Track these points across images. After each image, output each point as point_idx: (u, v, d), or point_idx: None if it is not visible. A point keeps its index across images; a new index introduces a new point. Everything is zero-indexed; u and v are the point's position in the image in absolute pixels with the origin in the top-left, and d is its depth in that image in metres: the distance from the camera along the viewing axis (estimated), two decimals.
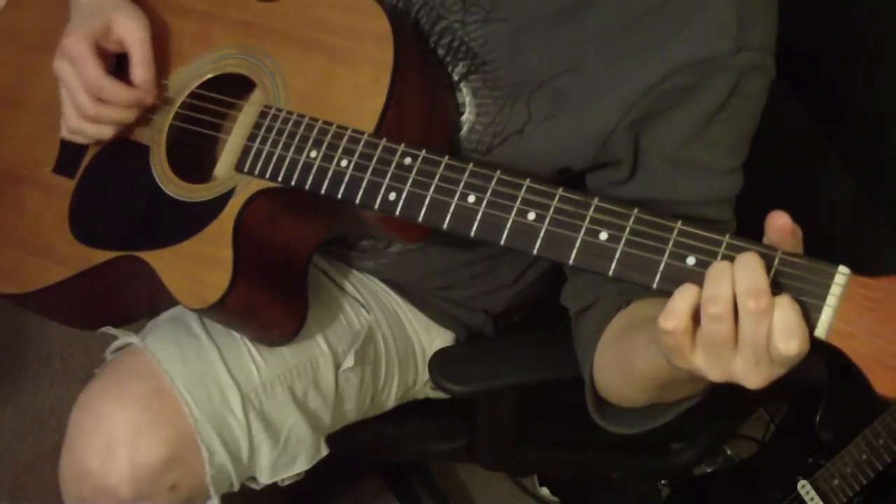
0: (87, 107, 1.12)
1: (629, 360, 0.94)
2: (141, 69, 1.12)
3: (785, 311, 0.74)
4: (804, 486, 1.62)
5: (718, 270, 0.77)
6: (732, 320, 0.76)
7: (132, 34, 1.12)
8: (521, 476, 1.93)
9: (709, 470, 1.85)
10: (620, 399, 1.02)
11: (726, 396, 1.40)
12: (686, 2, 1.01)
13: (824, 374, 1.31)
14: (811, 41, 1.36)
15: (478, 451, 1.41)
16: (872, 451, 1.55)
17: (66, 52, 1.11)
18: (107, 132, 1.14)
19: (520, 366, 1.30)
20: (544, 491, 1.94)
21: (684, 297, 0.78)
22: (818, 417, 1.61)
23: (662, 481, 1.83)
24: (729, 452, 1.93)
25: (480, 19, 1.09)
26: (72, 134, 1.16)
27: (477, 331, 1.37)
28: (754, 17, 1.01)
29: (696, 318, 0.78)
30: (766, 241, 0.78)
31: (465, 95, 1.10)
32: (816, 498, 1.60)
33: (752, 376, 0.77)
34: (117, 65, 1.15)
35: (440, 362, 1.26)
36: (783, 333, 0.74)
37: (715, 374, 0.79)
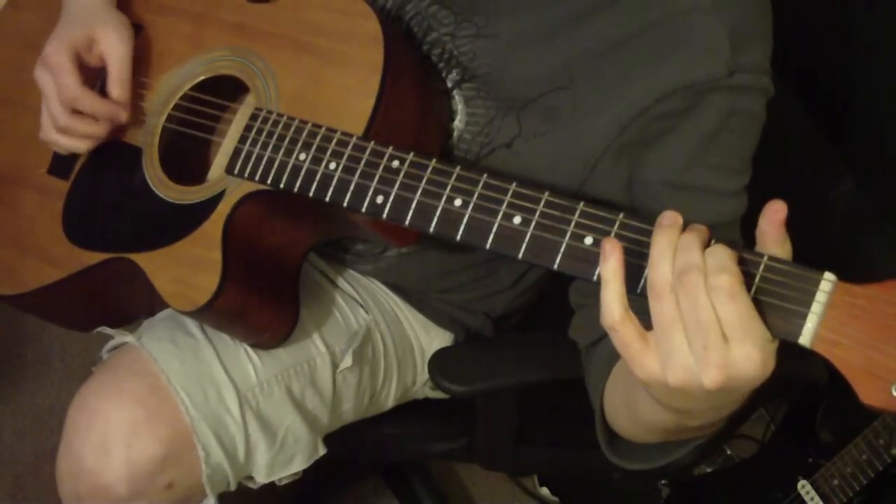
0: (59, 117, 1.12)
1: (635, 405, 0.93)
2: (117, 89, 1.13)
3: (714, 251, 0.74)
4: (804, 486, 1.61)
5: (658, 254, 0.76)
6: (675, 299, 0.75)
7: (113, 51, 1.12)
8: (521, 476, 1.93)
9: (709, 470, 1.84)
10: (632, 437, 1.01)
11: None
12: (678, 24, 0.99)
13: (824, 374, 1.29)
14: (811, 41, 1.36)
15: (478, 451, 1.41)
16: (872, 451, 1.55)
17: (46, 61, 1.12)
18: (80, 146, 1.15)
19: (520, 366, 1.30)
20: (544, 491, 1.94)
21: (609, 289, 0.77)
22: (818, 417, 1.61)
23: (662, 481, 1.83)
24: (729, 452, 1.93)
25: (471, 34, 1.08)
26: (47, 144, 1.16)
27: (476, 332, 1.37)
28: (748, 39, 0.99)
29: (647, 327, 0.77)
30: (759, 229, 0.77)
31: (458, 103, 1.09)
32: (816, 498, 1.60)
33: (705, 368, 0.74)
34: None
35: (440, 362, 1.26)
36: (714, 270, 0.73)
37: (673, 377, 0.76)
